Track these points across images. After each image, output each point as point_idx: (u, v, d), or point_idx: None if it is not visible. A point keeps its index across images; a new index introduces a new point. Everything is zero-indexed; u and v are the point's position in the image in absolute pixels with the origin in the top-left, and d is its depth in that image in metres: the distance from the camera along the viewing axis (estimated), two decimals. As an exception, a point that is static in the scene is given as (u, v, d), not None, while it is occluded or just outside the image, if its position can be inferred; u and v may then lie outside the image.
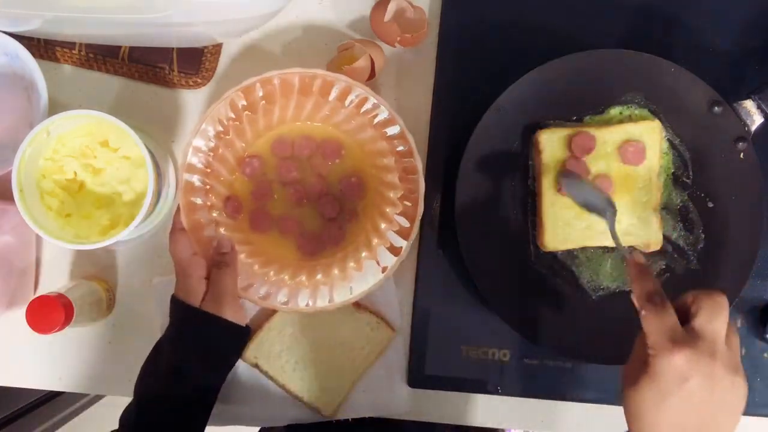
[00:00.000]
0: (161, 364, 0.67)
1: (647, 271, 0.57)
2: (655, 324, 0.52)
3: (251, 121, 0.71)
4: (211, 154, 0.70)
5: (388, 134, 0.70)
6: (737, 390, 0.51)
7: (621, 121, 0.72)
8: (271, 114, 0.72)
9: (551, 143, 0.71)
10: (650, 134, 0.71)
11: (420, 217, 0.69)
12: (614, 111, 0.72)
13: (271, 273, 0.71)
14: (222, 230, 0.71)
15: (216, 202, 0.71)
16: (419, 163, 0.69)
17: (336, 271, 0.71)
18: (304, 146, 0.74)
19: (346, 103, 0.70)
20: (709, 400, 0.50)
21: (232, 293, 0.67)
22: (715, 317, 0.52)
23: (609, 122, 0.72)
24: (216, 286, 0.66)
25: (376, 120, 0.70)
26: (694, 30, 0.76)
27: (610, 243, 0.72)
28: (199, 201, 0.69)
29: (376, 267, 0.70)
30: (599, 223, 0.71)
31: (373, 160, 0.73)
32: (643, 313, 0.53)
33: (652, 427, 0.51)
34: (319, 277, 0.72)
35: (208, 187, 0.70)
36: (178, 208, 0.68)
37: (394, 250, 0.70)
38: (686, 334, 0.51)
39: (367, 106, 0.70)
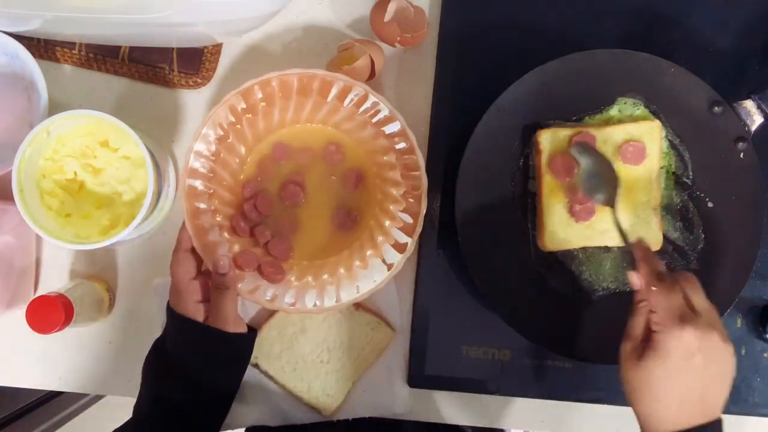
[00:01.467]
0: (172, 370, 0.66)
1: (653, 254, 0.60)
2: (664, 302, 0.55)
3: (251, 123, 0.71)
4: (213, 158, 0.70)
5: (388, 132, 0.70)
6: (730, 359, 0.55)
7: (621, 121, 0.72)
8: (270, 116, 0.72)
9: (551, 143, 0.71)
10: (650, 134, 0.71)
11: (424, 213, 0.69)
12: (614, 111, 0.72)
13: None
14: (225, 234, 0.71)
15: (219, 207, 0.71)
16: (421, 159, 0.69)
17: (342, 271, 0.71)
18: (305, 148, 0.74)
19: (345, 102, 0.70)
20: (708, 371, 0.53)
21: (232, 314, 0.66)
22: (700, 294, 0.56)
23: (609, 122, 0.72)
24: (216, 308, 0.66)
25: (375, 118, 0.70)
26: (694, 30, 0.76)
27: (610, 243, 0.72)
28: (202, 206, 0.69)
29: (381, 265, 0.70)
30: (599, 223, 0.71)
31: (374, 158, 0.73)
32: (653, 289, 0.56)
33: (657, 402, 0.54)
34: (325, 277, 0.71)
35: (211, 191, 0.70)
36: (184, 224, 0.67)
37: (400, 247, 0.70)
38: (690, 312, 0.55)
39: (367, 104, 0.70)
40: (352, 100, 0.70)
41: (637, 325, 0.57)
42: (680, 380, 0.53)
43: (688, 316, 0.54)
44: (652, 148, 0.71)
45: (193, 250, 0.67)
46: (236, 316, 0.67)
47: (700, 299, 0.56)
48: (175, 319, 0.66)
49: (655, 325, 0.55)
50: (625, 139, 0.71)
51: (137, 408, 0.68)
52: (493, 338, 0.75)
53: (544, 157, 0.71)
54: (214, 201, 0.70)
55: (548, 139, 0.71)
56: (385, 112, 0.69)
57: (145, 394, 0.68)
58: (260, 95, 0.69)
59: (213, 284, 0.66)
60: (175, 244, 0.68)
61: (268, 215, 0.73)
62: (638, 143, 0.70)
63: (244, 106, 0.69)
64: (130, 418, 0.67)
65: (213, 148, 0.69)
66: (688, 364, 0.53)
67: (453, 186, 0.72)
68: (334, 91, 0.69)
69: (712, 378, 0.54)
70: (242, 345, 0.69)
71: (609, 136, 0.71)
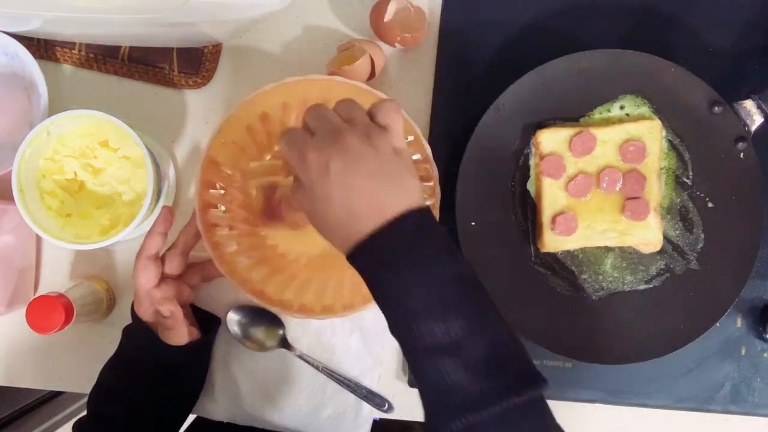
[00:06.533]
0: (131, 369, 0.69)
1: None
2: (287, 140, 0.52)
3: (268, 126, 0.71)
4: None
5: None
6: (372, 151, 0.49)
7: (621, 121, 0.72)
8: (287, 120, 0.72)
9: (551, 143, 0.71)
10: (651, 133, 0.71)
11: None
12: (614, 110, 0.72)
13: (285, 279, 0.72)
14: (234, 231, 0.71)
15: (231, 206, 0.71)
16: (435, 171, 0.69)
17: (350, 273, 0.71)
18: None
19: None
20: (355, 173, 0.49)
21: (183, 340, 0.68)
22: (320, 110, 0.52)
23: (609, 122, 0.72)
24: (166, 338, 0.68)
25: None
26: (694, 30, 0.76)
27: (610, 243, 0.72)
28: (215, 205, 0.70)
29: None
30: (599, 223, 0.71)
31: None
32: (281, 139, 0.53)
33: (328, 228, 0.51)
34: (332, 282, 0.72)
35: (223, 191, 0.70)
36: (151, 230, 0.67)
37: None
38: (309, 135, 0.51)
39: None
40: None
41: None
42: (330, 197, 0.49)
43: (308, 139, 0.51)
44: (652, 147, 0.71)
45: (155, 257, 0.68)
46: (187, 334, 0.68)
47: (313, 119, 0.52)
48: (138, 323, 0.68)
49: (292, 168, 0.52)
50: (626, 138, 0.71)
51: (90, 403, 0.69)
52: (493, 338, 0.75)
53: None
54: (225, 201, 0.71)
55: (548, 139, 0.71)
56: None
57: (99, 387, 0.69)
58: (278, 98, 0.69)
59: (159, 323, 0.68)
60: (140, 248, 0.68)
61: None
62: (639, 142, 0.70)
63: (261, 108, 0.69)
64: (86, 415, 0.68)
65: (227, 149, 0.69)
66: (327, 175, 0.48)
67: (453, 186, 0.72)
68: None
69: (367, 178, 0.49)
70: (192, 353, 0.70)
71: (609, 136, 0.71)
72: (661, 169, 0.72)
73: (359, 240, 0.49)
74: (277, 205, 0.73)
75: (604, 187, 0.71)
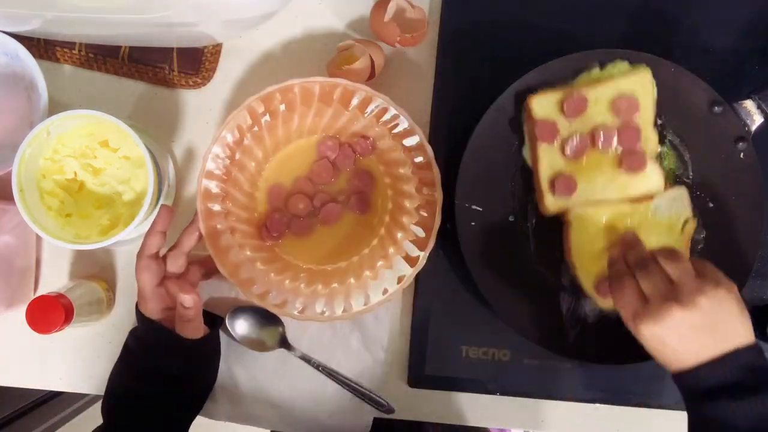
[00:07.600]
0: (143, 370, 0.68)
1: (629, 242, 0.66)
2: (617, 302, 0.61)
3: (271, 128, 0.71)
4: (229, 161, 0.70)
5: (407, 145, 0.71)
6: (727, 296, 0.56)
7: (611, 77, 0.70)
8: (290, 123, 0.72)
9: (543, 108, 0.70)
10: (641, 86, 0.69)
11: (437, 228, 0.69)
12: (605, 68, 0.71)
13: (287, 282, 0.72)
14: (238, 237, 0.71)
15: (232, 209, 0.71)
16: (437, 174, 0.69)
17: (352, 280, 0.72)
18: (322, 156, 0.74)
19: (366, 112, 0.70)
20: (708, 317, 0.55)
21: (195, 334, 0.68)
22: (646, 262, 0.60)
23: (599, 80, 0.71)
24: (180, 330, 0.67)
25: (395, 130, 0.71)
26: (694, 30, 0.76)
27: (612, 197, 0.70)
28: (216, 207, 0.69)
29: (392, 277, 0.71)
30: (599, 181, 0.70)
31: (390, 170, 0.73)
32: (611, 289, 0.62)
33: (665, 356, 0.57)
34: (335, 285, 0.72)
35: (224, 194, 0.70)
36: (151, 229, 0.67)
37: (411, 260, 0.70)
38: (641, 304, 0.58)
39: (387, 116, 0.70)
40: (372, 111, 0.70)
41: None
42: (662, 345, 0.57)
43: (639, 312, 0.58)
44: (645, 101, 0.69)
45: (156, 256, 0.67)
46: (198, 329, 0.68)
47: (648, 287, 0.58)
48: (145, 322, 0.68)
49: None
50: (617, 94, 0.69)
51: (105, 412, 0.68)
52: (493, 338, 0.75)
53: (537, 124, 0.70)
54: (228, 203, 0.71)
55: (539, 104, 0.70)
56: (404, 125, 0.70)
57: (110, 396, 0.69)
58: (281, 101, 0.69)
59: (177, 315, 0.67)
60: (141, 247, 0.67)
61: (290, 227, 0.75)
62: (630, 96, 0.69)
63: (263, 110, 0.69)
64: (102, 425, 0.68)
65: (229, 151, 0.69)
66: (665, 347, 0.56)
67: (453, 186, 0.72)
68: (355, 101, 0.69)
69: (694, 331, 0.55)
70: (207, 346, 0.70)
71: (600, 94, 0.69)
72: (660, 150, 0.71)
73: (685, 369, 0.56)
74: (281, 219, 0.74)
75: (600, 145, 0.70)
